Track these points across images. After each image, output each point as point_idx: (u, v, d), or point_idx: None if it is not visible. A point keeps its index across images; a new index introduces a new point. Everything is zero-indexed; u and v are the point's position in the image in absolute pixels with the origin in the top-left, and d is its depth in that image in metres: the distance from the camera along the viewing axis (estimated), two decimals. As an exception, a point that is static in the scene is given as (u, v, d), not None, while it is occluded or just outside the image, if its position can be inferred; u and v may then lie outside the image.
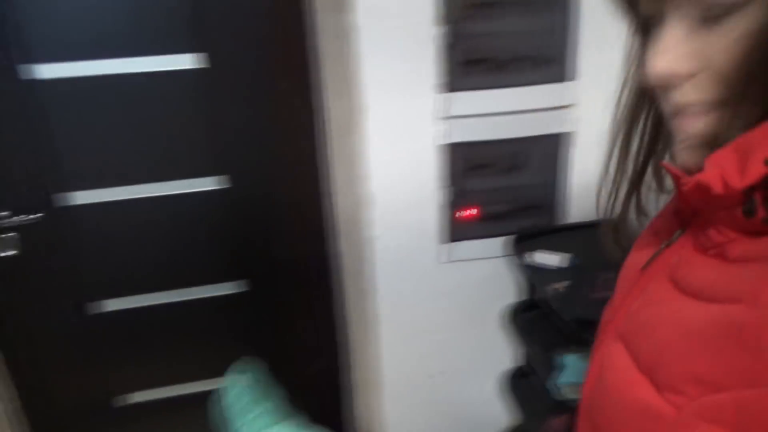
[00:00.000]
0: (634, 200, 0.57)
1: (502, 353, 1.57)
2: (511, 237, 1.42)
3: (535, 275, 1.29)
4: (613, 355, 0.52)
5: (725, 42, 0.41)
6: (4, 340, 1.70)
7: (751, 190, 0.41)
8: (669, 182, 0.55)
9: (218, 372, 1.88)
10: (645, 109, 0.54)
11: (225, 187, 1.69)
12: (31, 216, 1.55)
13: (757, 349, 0.37)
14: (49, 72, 1.48)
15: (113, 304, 1.77)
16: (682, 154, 0.46)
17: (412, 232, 1.46)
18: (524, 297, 1.47)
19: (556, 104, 1.38)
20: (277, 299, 1.88)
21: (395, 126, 1.37)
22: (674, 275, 0.49)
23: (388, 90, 1.33)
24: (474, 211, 1.46)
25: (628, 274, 0.58)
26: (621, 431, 0.49)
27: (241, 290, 1.84)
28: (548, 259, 1.29)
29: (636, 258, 0.58)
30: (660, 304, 0.49)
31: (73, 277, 1.70)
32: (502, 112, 1.33)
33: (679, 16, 0.43)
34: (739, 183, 0.40)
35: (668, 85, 0.44)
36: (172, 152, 1.63)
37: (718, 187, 0.41)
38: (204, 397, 1.92)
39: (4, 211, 1.56)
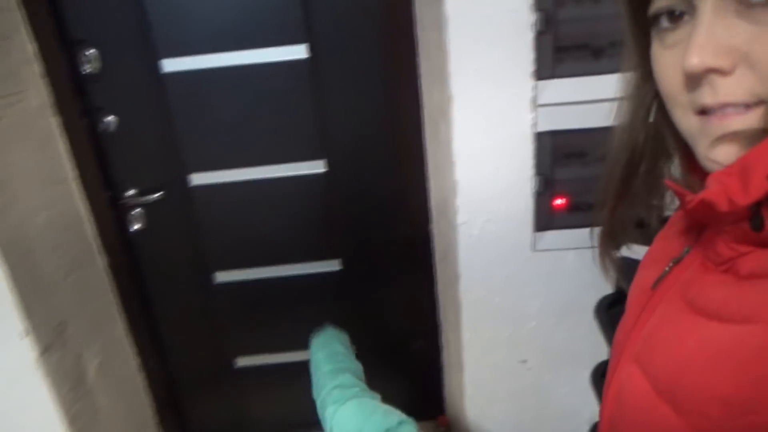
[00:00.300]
0: (630, 214, 0.57)
1: (592, 346, 1.54)
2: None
3: (625, 269, 1.25)
4: (630, 378, 0.51)
5: (765, 33, 0.38)
6: (131, 309, 1.92)
7: (756, 205, 0.40)
8: (669, 198, 0.53)
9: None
10: (645, 121, 0.53)
11: (325, 171, 1.78)
12: (155, 195, 1.73)
13: None
14: (173, 66, 1.64)
15: (226, 276, 1.93)
16: (718, 151, 0.43)
17: (501, 219, 1.47)
18: (615, 290, 1.43)
19: (658, 91, 1.32)
20: (373, 279, 1.96)
21: (488, 114, 1.37)
22: (686, 294, 0.48)
23: (482, 78, 1.34)
24: (566, 201, 1.44)
25: (638, 293, 0.57)
26: None
27: (339, 268, 1.94)
28: (639, 252, 1.25)
29: (645, 276, 0.57)
30: (675, 325, 0.48)
31: (192, 251, 1.88)
32: (597, 99, 1.30)
33: (714, 6, 0.40)
34: (743, 200, 0.40)
35: (705, 79, 0.42)
36: (280, 138, 1.75)
37: (723, 205, 0.41)
38: (303, 366, 2.07)
39: (131, 189, 1.76)
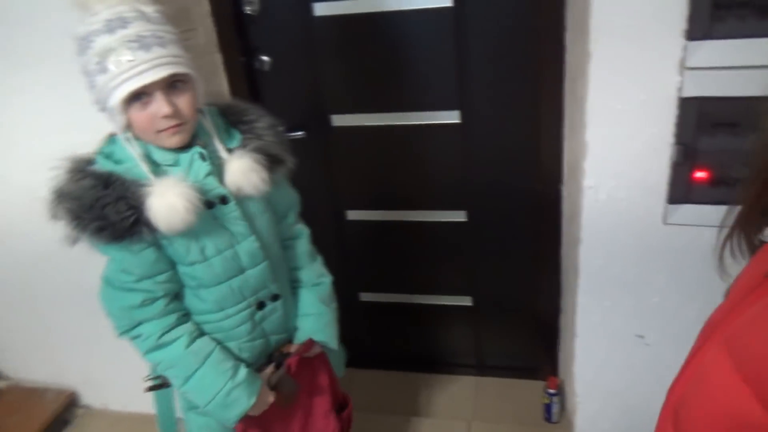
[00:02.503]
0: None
1: (718, 331, 1.44)
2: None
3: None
4: (715, 360, 0.50)
5: None
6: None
7: None
8: None
9: (440, 290, 2.08)
10: None
11: (460, 122, 1.79)
12: (298, 133, 1.86)
13: None
14: (325, 9, 1.72)
15: (357, 215, 2.05)
16: None
17: (633, 187, 1.39)
18: (751, 275, 1.32)
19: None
20: (498, 234, 1.97)
21: (628, 74, 1.29)
22: None
23: (625, 35, 1.26)
24: (708, 173, 1.33)
25: (747, 278, 0.55)
26: None
27: (464, 220, 1.96)
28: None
29: (759, 263, 0.55)
30: None
31: (328, 188, 2.01)
32: (756, 65, 1.17)
33: None
34: None
35: None
36: (419, 86, 1.78)
37: None
38: (425, 309, 2.16)
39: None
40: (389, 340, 2.30)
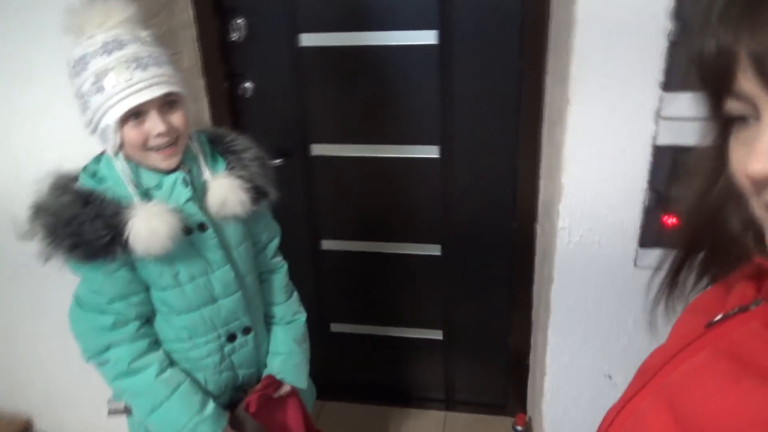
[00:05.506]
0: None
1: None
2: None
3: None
4: (653, 409, 0.50)
5: None
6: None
7: None
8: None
9: (412, 322, 2.08)
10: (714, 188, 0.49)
11: (439, 157, 1.82)
12: (277, 161, 1.85)
13: None
14: (310, 40, 1.74)
15: (333, 245, 2.04)
16: None
17: (605, 230, 1.43)
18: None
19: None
20: (471, 269, 1.98)
21: (606, 120, 1.33)
22: (742, 347, 0.46)
23: (605, 84, 1.30)
24: (678, 220, 1.37)
25: (688, 327, 0.55)
26: None
27: (438, 254, 1.98)
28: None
29: (701, 309, 0.54)
30: (721, 375, 0.46)
31: (304, 217, 2.01)
32: (727, 118, 1.22)
33: None
34: None
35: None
36: (400, 120, 1.80)
37: None
38: (396, 341, 2.15)
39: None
40: (360, 372, 2.28)
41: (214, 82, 1.79)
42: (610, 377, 1.61)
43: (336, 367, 2.27)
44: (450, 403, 2.24)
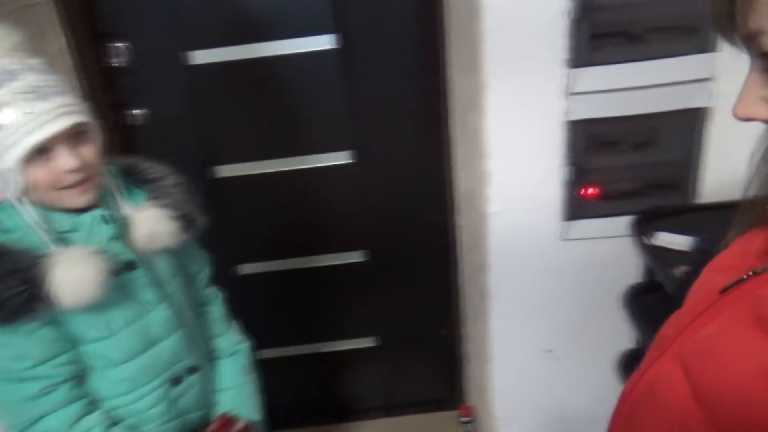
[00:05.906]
0: None
1: (620, 335, 1.54)
2: (635, 216, 1.38)
3: (656, 257, 1.25)
4: (669, 377, 0.50)
5: None
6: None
7: None
8: None
9: (345, 334, 2.02)
10: None
11: (352, 162, 1.78)
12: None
13: None
14: (201, 58, 1.64)
15: (251, 269, 1.94)
16: None
17: (533, 209, 1.47)
18: (645, 279, 1.43)
19: (693, 77, 1.31)
20: (398, 269, 1.96)
21: (520, 103, 1.37)
22: (760, 310, 0.46)
23: (515, 67, 1.34)
24: (598, 190, 1.44)
25: (703, 292, 0.55)
26: None
27: (363, 260, 1.94)
28: (672, 241, 1.25)
29: (714, 278, 0.54)
30: (737, 339, 0.46)
31: (216, 244, 1.88)
32: (633, 86, 1.30)
33: (754, 65, 0.46)
34: None
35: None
36: (307, 129, 1.75)
37: None
38: (326, 357, 2.08)
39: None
40: (297, 395, 2.18)
41: (100, 112, 1.62)
42: (551, 351, 1.66)
43: (272, 396, 2.15)
44: (391, 408, 2.21)
